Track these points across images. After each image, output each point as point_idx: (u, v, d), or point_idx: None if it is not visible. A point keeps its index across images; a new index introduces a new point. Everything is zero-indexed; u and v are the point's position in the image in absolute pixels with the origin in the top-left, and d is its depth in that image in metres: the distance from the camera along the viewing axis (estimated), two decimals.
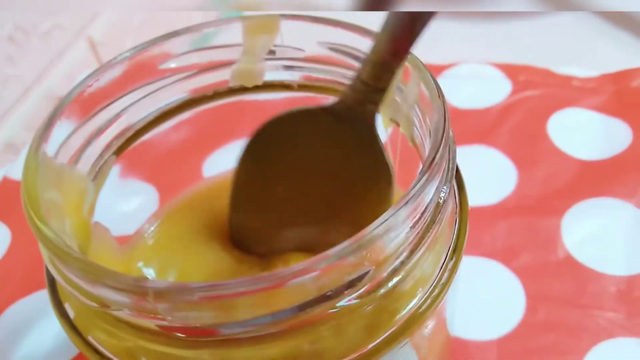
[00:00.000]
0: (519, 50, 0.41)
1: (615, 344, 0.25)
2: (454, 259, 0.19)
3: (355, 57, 0.22)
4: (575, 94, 0.36)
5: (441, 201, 0.18)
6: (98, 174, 0.22)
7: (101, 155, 0.22)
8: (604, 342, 0.25)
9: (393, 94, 0.21)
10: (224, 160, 0.29)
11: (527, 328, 0.26)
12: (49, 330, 0.28)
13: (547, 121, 0.34)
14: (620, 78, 0.36)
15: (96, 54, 0.45)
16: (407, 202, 0.16)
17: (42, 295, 0.29)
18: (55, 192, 0.19)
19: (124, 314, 0.16)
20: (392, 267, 0.17)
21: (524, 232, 0.29)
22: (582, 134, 0.34)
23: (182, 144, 0.26)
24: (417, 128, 0.21)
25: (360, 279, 0.16)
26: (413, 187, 0.16)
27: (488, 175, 0.32)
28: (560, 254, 0.28)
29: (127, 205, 0.27)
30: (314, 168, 0.22)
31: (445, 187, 0.18)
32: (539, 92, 0.36)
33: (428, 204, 0.17)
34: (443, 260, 0.19)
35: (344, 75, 0.23)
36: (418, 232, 0.17)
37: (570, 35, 0.45)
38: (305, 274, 0.15)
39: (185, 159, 0.28)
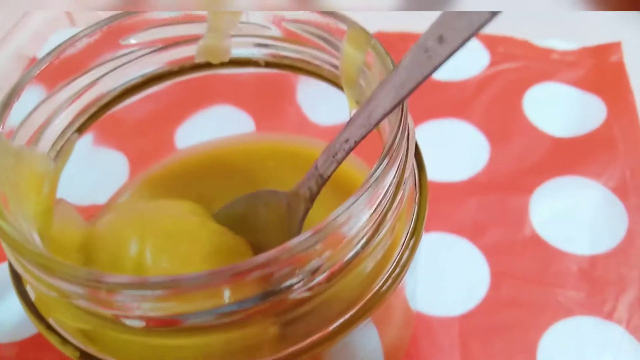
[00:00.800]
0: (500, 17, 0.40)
1: (574, 322, 0.26)
2: (413, 238, 0.20)
3: (321, 37, 0.22)
4: (554, 67, 0.36)
5: (401, 185, 0.18)
6: (60, 153, 0.21)
7: (63, 133, 0.22)
8: (564, 320, 0.26)
9: (358, 77, 0.21)
10: (195, 131, 0.29)
11: (489, 305, 0.27)
12: (16, 302, 0.28)
13: (523, 96, 0.34)
14: (599, 52, 0.36)
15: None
16: (367, 189, 0.16)
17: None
18: (13, 175, 0.19)
19: (83, 303, 0.16)
20: (353, 251, 0.17)
21: (493, 209, 0.30)
22: (556, 109, 0.34)
23: (151, 116, 0.26)
24: None
25: (321, 267, 0.16)
26: (372, 175, 0.16)
27: (461, 149, 0.32)
28: (526, 232, 0.29)
29: (97, 175, 0.27)
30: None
31: (402, 171, 0.18)
32: (517, 65, 0.36)
33: (387, 189, 0.17)
34: (403, 241, 0.20)
35: (311, 54, 0.23)
36: (378, 217, 0.17)
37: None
38: (265, 268, 0.15)
39: (155, 130, 0.28)
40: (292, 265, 0.16)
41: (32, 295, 0.19)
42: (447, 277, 0.27)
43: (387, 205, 0.18)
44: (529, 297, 0.27)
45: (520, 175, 0.31)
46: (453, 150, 0.32)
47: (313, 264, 0.16)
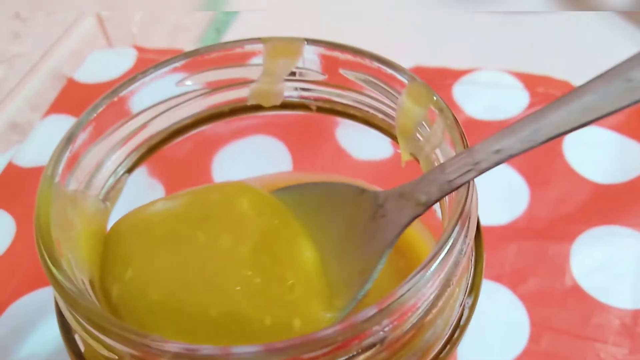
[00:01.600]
0: (539, 55, 0.40)
1: None
2: (472, 297, 0.19)
3: (377, 87, 0.22)
4: None
5: (462, 259, 0.18)
6: (110, 194, 0.21)
7: (113, 174, 0.21)
8: None
9: (415, 132, 0.21)
10: (232, 161, 0.29)
11: (530, 357, 0.26)
12: (52, 329, 0.28)
13: (563, 139, 0.34)
14: None
15: (104, 30, 0.44)
16: (438, 260, 0.16)
17: (46, 293, 0.29)
18: (68, 222, 0.19)
19: None
20: (415, 320, 0.17)
21: (533, 256, 0.29)
22: (597, 154, 0.33)
23: (193, 149, 0.26)
24: None
25: (382, 339, 0.16)
26: (444, 244, 0.16)
27: (500, 192, 0.32)
28: (567, 282, 0.28)
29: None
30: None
31: (465, 245, 0.18)
32: None
33: (456, 257, 0.17)
34: (460, 302, 0.19)
35: (363, 102, 0.23)
36: (443, 286, 0.17)
37: (592, 38, 0.44)
38: (329, 346, 0.15)
39: (194, 163, 0.28)
40: (353, 342, 0.15)
41: (81, 347, 0.18)
42: (487, 325, 0.27)
43: (451, 272, 0.17)
44: (569, 351, 0.26)
45: (561, 222, 0.30)
46: (492, 192, 0.32)
47: (373, 338, 0.16)
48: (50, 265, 0.16)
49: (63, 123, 0.36)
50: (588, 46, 0.44)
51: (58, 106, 0.38)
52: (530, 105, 0.36)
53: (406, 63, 0.41)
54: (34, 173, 0.34)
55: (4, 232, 0.31)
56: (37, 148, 0.35)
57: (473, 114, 0.35)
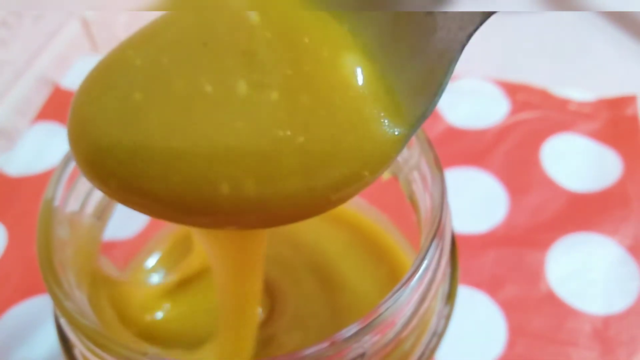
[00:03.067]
0: (520, 57, 0.41)
1: None
2: (448, 306, 0.21)
3: None
4: (571, 119, 0.36)
5: (438, 274, 0.19)
6: (103, 213, 0.22)
7: None
8: None
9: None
10: None
11: None
12: (46, 337, 0.29)
13: (541, 147, 0.35)
14: (615, 105, 0.37)
15: (89, 34, 0.44)
16: (417, 276, 0.17)
17: (40, 301, 0.30)
18: (67, 243, 0.19)
19: None
20: (394, 333, 0.18)
21: (511, 263, 0.31)
22: (573, 162, 0.35)
23: None
24: (415, 189, 0.22)
25: (363, 353, 0.17)
26: (421, 261, 0.17)
27: (480, 200, 0.33)
28: (542, 289, 0.30)
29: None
30: None
31: (442, 260, 0.19)
32: (535, 115, 0.37)
33: (434, 270, 0.18)
34: (438, 313, 0.20)
35: None
36: (422, 297, 0.18)
37: (573, 39, 0.45)
38: None
39: None
40: (336, 358, 0.16)
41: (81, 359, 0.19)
42: (464, 331, 0.28)
43: (428, 287, 0.19)
44: (543, 356, 0.28)
45: (537, 229, 0.32)
46: (472, 200, 0.33)
47: (354, 353, 0.17)
48: (55, 288, 0.17)
49: (50, 131, 0.37)
50: (569, 46, 0.45)
51: (45, 113, 0.38)
52: (511, 113, 0.37)
53: None
54: (24, 182, 0.34)
55: None
56: (25, 156, 0.35)
57: (454, 122, 0.36)
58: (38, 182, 0.34)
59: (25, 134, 0.37)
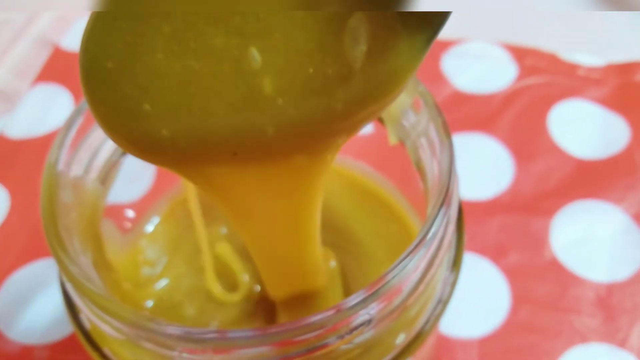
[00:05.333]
0: (528, 23, 0.40)
1: (589, 348, 0.27)
2: (453, 273, 0.21)
3: None
4: (579, 84, 0.36)
5: (445, 242, 0.19)
6: (107, 177, 0.22)
7: (110, 157, 0.22)
8: (578, 346, 0.27)
9: (401, 118, 0.22)
10: None
11: (508, 329, 0.28)
12: (50, 300, 0.29)
13: (548, 113, 0.35)
14: (625, 70, 0.36)
15: None
16: (424, 244, 0.17)
17: (43, 264, 0.30)
18: (71, 207, 0.19)
19: (140, 342, 0.17)
20: (400, 300, 0.18)
21: (515, 230, 0.30)
22: (581, 128, 0.34)
23: None
24: (422, 156, 0.21)
25: (369, 320, 0.17)
26: (429, 228, 0.17)
27: (486, 166, 0.33)
28: (546, 256, 0.30)
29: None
30: None
31: (448, 229, 0.19)
32: (543, 80, 0.36)
33: (441, 238, 0.18)
34: (443, 279, 0.20)
35: None
36: (428, 266, 0.18)
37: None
38: (315, 331, 0.16)
39: None
40: (341, 325, 0.16)
41: (87, 325, 0.19)
42: (468, 297, 0.28)
43: (434, 255, 0.18)
44: (546, 322, 0.28)
45: (543, 196, 0.32)
46: (478, 166, 0.33)
47: (360, 319, 0.17)
48: (60, 253, 0.17)
49: (51, 92, 0.36)
50: (576, 13, 0.44)
51: (45, 75, 0.37)
52: (518, 78, 0.36)
53: None
54: (25, 144, 0.34)
55: None
56: (26, 119, 0.35)
57: (461, 86, 0.36)
58: (40, 145, 0.34)
59: (25, 96, 0.36)
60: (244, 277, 0.25)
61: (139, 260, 0.25)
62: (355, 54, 0.15)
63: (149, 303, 0.24)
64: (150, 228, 0.27)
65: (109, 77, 0.15)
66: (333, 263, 0.24)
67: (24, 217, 0.31)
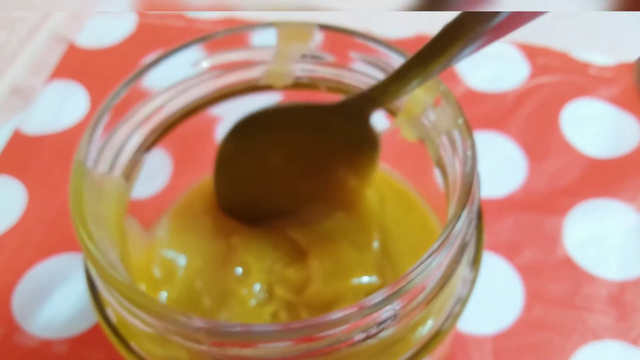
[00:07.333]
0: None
1: (602, 345, 0.27)
2: (473, 271, 0.21)
3: (384, 70, 0.22)
4: (591, 83, 0.36)
5: (467, 241, 0.19)
6: (131, 173, 0.22)
7: (135, 154, 0.22)
8: (591, 344, 0.27)
9: (421, 117, 0.22)
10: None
11: (521, 326, 0.28)
12: (69, 295, 0.29)
13: (560, 112, 0.35)
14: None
15: None
16: (448, 242, 0.17)
17: (62, 259, 0.30)
18: (98, 204, 0.19)
19: (171, 337, 0.17)
20: (423, 297, 0.18)
21: (528, 228, 0.31)
22: (593, 127, 0.34)
23: (206, 127, 0.26)
24: (443, 154, 0.21)
25: (392, 317, 0.17)
26: (453, 226, 0.17)
27: (499, 164, 0.33)
28: (559, 254, 0.30)
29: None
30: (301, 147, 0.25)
31: (470, 229, 0.19)
32: (555, 79, 0.36)
33: (464, 235, 0.18)
34: (463, 277, 0.21)
35: (370, 83, 0.23)
36: (444, 270, 0.18)
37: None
38: (342, 325, 0.16)
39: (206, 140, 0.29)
40: (364, 322, 0.17)
41: (113, 319, 0.20)
42: (483, 294, 0.29)
43: (457, 255, 0.19)
44: (559, 320, 0.28)
45: (555, 195, 0.32)
46: (491, 164, 0.33)
47: (386, 314, 0.17)
48: (91, 247, 0.17)
49: (66, 89, 0.37)
50: (587, 13, 0.44)
51: (60, 72, 0.38)
52: (531, 76, 0.36)
53: (407, 31, 0.41)
54: (41, 141, 0.34)
55: (16, 201, 0.32)
56: (42, 115, 0.35)
57: (474, 85, 0.36)
58: (56, 141, 0.34)
59: (41, 92, 0.37)
60: (260, 270, 0.25)
61: (155, 257, 0.25)
62: None
63: (165, 299, 0.24)
64: (167, 224, 0.27)
65: None
66: (376, 243, 0.25)
67: (41, 212, 0.32)
